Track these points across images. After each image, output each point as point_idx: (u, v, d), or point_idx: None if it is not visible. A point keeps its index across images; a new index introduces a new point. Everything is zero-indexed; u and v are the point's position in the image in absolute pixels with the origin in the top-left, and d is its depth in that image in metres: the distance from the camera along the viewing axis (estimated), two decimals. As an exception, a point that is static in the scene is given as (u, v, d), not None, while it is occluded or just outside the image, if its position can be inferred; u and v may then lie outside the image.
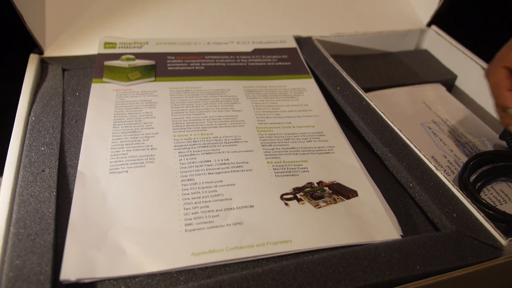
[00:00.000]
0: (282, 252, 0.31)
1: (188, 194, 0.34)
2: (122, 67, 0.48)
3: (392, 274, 0.29)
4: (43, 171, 0.35)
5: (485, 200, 0.36)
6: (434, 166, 0.37)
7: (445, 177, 0.36)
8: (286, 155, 0.39)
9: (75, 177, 0.35)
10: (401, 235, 0.32)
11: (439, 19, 0.61)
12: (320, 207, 0.34)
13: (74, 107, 0.43)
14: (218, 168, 0.37)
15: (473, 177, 0.40)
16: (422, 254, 0.30)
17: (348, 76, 0.49)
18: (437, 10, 0.59)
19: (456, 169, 0.42)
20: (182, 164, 0.37)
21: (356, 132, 0.44)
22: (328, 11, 0.62)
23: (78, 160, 0.36)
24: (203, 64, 0.50)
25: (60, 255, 0.29)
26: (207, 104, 0.44)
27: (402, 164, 0.38)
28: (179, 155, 0.38)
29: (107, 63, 0.48)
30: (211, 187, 0.35)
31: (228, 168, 0.37)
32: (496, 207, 0.36)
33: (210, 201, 0.34)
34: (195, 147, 0.38)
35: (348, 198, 0.35)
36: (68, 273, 0.28)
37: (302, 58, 0.53)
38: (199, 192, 0.34)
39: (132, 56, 0.50)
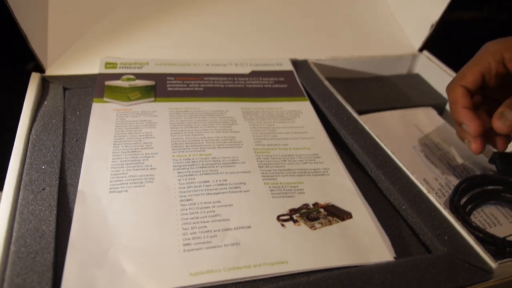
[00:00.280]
0: (279, 273, 0.31)
1: (186, 214, 0.35)
2: (122, 87, 0.49)
3: (385, 296, 0.30)
4: (43, 189, 0.35)
5: (475, 223, 0.37)
6: (426, 189, 0.38)
7: (436, 200, 0.37)
8: (282, 176, 0.40)
9: (76, 196, 0.35)
10: (394, 257, 0.33)
11: (430, 45, 0.63)
12: (315, 228, 0.35)
13: (75, 126, 0.44)
14: (216, 189, 0.37)
15: (463, 200, 0.41)
16: (415, 276, 0.31)
17: (343, 99, 0.50)
18: (429, 36, 0.62)
19: (447, 191, 0.43)
20: (181, 184, 0.37)
21: (351, 154, 0.45)
22: (323, 35, 0.64)
23: (78, 179, 0.37)
24: (202, 85, 0.51)
25: (60, 273, 0.29)
26: (205, 125, 0.45)
27: (395, 187, 0.39)
28: (178, 175, 0.38)
29: (108, 83, 0.49)
30: (209, 207, 0.36)
31: (226, 188, 0.38)
32: (486, 230, 0.37)
33: (208, 221, 0.34)
34: (193, 168, 0.39)
35: (343, 220, 0.36)
36: (68, 292, 0.28)
37: (298, 80, 0.54)
38: (197, 212, 0.35)
39: (132, 76, 0.51)
